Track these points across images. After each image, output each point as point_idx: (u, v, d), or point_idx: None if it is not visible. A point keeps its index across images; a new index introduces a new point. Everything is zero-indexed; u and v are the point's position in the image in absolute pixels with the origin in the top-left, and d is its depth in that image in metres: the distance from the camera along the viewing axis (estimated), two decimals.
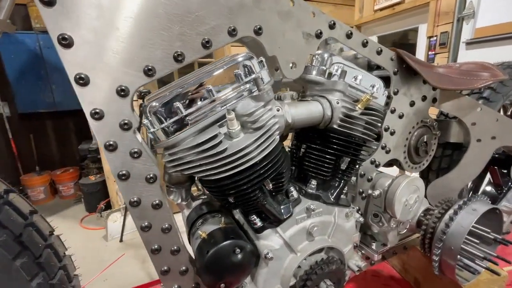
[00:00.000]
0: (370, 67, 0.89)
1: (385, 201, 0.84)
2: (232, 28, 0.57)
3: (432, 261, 0.80)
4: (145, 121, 0.54)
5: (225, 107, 0.55)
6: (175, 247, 0.63)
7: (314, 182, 0.72)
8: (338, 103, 0.66)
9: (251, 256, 0.63)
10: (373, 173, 0.88)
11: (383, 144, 0.87)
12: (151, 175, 0.56)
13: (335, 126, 0.67)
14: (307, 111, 0.64)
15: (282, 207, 0.68)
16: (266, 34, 0.61)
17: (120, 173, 0.53)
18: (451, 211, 0.80)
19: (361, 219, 0.81)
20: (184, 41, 0.53)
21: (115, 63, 0.49)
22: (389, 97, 0.84)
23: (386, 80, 0.82)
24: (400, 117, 0.88)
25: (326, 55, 0.69)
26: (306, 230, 0.69)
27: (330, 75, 0.68)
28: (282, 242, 0.67)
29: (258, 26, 0.59)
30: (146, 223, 0.58)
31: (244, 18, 0.58)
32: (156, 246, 0.60)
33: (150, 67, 0.51)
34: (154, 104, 0.53)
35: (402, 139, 0.91)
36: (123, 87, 0.50)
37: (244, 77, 0.57)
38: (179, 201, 0.71)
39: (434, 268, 0.80)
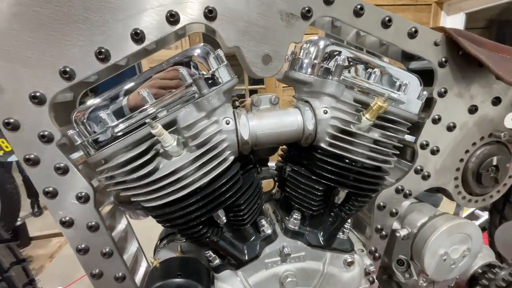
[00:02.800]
0: (409, 56, 0.63)
1: (412, 248, 0.60)
2: (172, 13, 0.43)
3: None
4: (70, 132, 0.46)
5: (164, 116, 0.42)
6: (120, 274, 0.55)
7: (297, 215, 0.54)
8: (326, 112, 0.46)
9: None
10: (399, 205, 0.63)
11: (418, 167, 0.61)
12: (82, 194, 0.49)
13: (323, 145, 0.47)
14: (278, 124, 0.46)
15: (246, 245, 0.53)
16: (222, 18, 0.45)
17: (46, 189, 0.47)
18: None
19: (372, 268, 0.59)
20: (107, 35, 0.42)
21: (28, 66, 0.42)
22: (430, 100, 0.58)
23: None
24: (450, 129, 0.60)
25: (319, 43, 0.49)
26: (279, 278, 0.52)
27: (323, 71, 0.48)
28: None
29: (209, 8, 0.44)
30: (83, 246, 0.51)
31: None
32: (96, 271, 0.53)
33: (67, 69, 0.42)
34: (81, 112, 0.45)
35: (453, 160, 0.63)
36: (37, 93, 0.43)
37: (188, 77, 0.43)
38: (140, 217, 0.63)
39: None
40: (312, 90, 0.48)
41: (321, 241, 0.54)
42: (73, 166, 0.47)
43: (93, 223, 0.50)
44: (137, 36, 0.43)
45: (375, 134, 0.50)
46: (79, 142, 0.45)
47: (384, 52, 0.62)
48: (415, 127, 0.61)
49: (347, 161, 0.49)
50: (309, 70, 0.48)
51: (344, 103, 0.47)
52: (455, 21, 3.28)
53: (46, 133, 0.44)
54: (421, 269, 0.60)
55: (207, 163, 0.43)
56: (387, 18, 0.50)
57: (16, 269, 0.55)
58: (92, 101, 0.45)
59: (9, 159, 2.07)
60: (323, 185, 0.50)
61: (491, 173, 0.65)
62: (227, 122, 0.43)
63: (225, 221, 0.48)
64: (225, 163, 0.44)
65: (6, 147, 1.94)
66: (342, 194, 0.53)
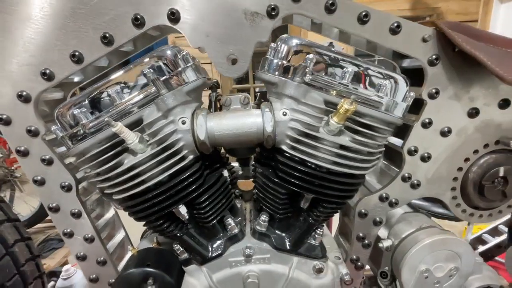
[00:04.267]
0: (401, 54, 0.58)
1: (392, 261, 0.56)
2: (137, 16, 0.45)
3: None
4: (53, 127, 0.50)
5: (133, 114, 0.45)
6: (102, 258, 0.60)
7: (265, 217, 0.53)
8: (285, 114, 0.44)
9: None
10: (384, 215, 0.59)
11: (406, 174, 0.57)
12: (66, 184, 0.54)
13: (285, 148, 0.46)
14: (237, 125, 0.46)
15: (211, 241, 0.54)
16: (185, 20, 0.46)
17: (35, 178, 0.53)
18: None
19: (348, 278, 0.56)
20: (79, 38, 0.46)
21: (15, 69, 0.47)
22: (420, 102, 0.53)
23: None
24: (444, 134, 0.54)
25: (287, 42, 0.47)
26: (242, 279, 0.53)
27: (287, 71, 0.46)
28: (207, 285, 0.54)
29: (172, 10, 0.45)
30: (68, 230, 0.57)
31: (151, 3, 0.45)
32: (81, 254, 0.59)
33: (46, 71, 0.47)
34: (61, 109, 0.49)
35: (449, 169, 0.57)
36: (23, 93, 0.48)
37: (150, 76, 0.45)
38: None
39: None
40: (277, 91, 0.47)
41: (288, 245, 0.53)
42: (57, 159, 0.52)
43: (76, 210, 0.55)
44: (106, 40, 0.46)
45: (346, 138, 0.47)
46: (60, 136, 0.50)
47: (373, 50, 0.57)
48: (404, 131, 0.56)
49: (311, 165, 0.47)
50: (275, 70, 0.47)
51: (308, 105, 0.45)
52: (510, 10, 2.90)
53: (32, 128, 0.50)
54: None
55: (165, 160, 0.45)
56: (363, 13, 0.47)
57: (20, 245, 0.63)
58: (71, 99, 0.49)
59: None
60: (286, 189, 0.48)
61: (497, 185, 0.58)
62: (183, 122, 0.44)
63: (187, 217, 0.49)
64: (183, 161, 0.45)
65: None
66: (304, 203, 0.51)
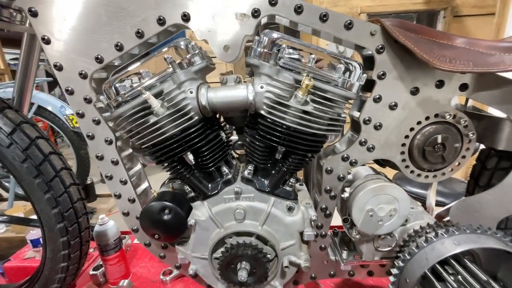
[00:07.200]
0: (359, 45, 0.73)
1: (348, 204, 0.72)
2: (160, 17, 0.64)
3: None
4: (102, 97, 0.71)
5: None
6: (131, 197, 0.81)
7: (250, 167, 0.72)
8: (262, 87, 0.62)
9: (177, 219, 0.73)
10: (345, 172, 0.75)
11: (363, 139, 0.73)
12: (108, 139, 0.75)
13: (263, 113, 0.64)
14: (228, 95, 0.64)
15: (211, 183, 0.73)
16: (194, 20, 0.64)
17: (87, 134, 0.74)
18: (425, 237, 0.60)
19: (314, 217, 0.74)
20: (121, 33, 0.66)
21: (77, 54, 0.68)
22: (372, 82, 0.69)
23: None
24: (392, 107, 0.70)
25: (267, 35, 0.64)
26: (233, 211, 0.72)
27: (265, 56, 0.64)
28: (208, 216, 0.73)
29: (184, 13, 0.63)
30: (109, 174, 0.78)
31: (169, 8, 0.63)
32: (117, 193, 0.80)
33: (99, 56, 0.67)
34: (107, 84, 0.70)
35: (398, 136, 0.72)
36: (83, 72, 0.69)
37: (168, 61, 0.64)
38: (150, 163, 0.88)
39: None
40: (258, 71, 0.65)
41: (267, 188, 0.71)
42: (103, 120, 0.73)
43: (115, 159, 0.77)
44: (139, 34, 0.65)
45: (309, 107, 0.64)
46: (105, 104, 0.71)
47: (339, 42, 0.73)
48: (361, 105, 0.72)
49: (283, 126, 0.64)
50: (257, 56, 0.65)
51: (279, 82, 0.62)
52: None
53: (87, 97, 0.71)
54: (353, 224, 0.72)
55: (177, 119, 0.64)
56: (323, 14, 0.63)
57: (73, 188, 0.85)
58: (114, 77, 0.69)
59: None
60: (265, 143, 0.66)
61: (438, 150, 0.72)
62: (191, 92, 0.63)
63: (193, 162, 0.69)
64: (191, 120, 0.64)
65: None
66: (277, 155, 0.68)
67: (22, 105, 0.92)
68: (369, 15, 3.21)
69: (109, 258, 1.11)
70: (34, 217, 0.93)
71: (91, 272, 1.15)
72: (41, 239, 1.26)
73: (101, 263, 1.17)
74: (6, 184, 2.61)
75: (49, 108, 2.38)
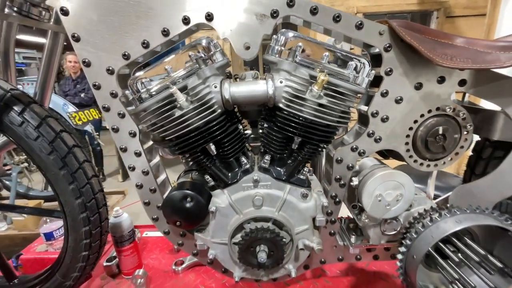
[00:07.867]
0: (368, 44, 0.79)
1: (357, 191, 0.78)
2: (185, 17, 0.69)
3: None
4: (127, 92, 0.75)
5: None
6: (153, 187, 0.85)
7: (267, 157, 0.77)
8: (281, 82, 0.67)
9: (198, 206, 0.78)
10: (354, 161, 0.81)
11: (370, 131, 0.79)
12: (132, 131, 0.79)
13: (281, 106, 0.69)
14: (249, 89, 0.69)
15: (231, 173, 0.78)
16: (217, 20, 0.69)
17: (113, 127, 0.78)
18: (430, 217, 0.66)
19: (326, 204, 0.79)
20: (148, 32, 0.70)
21: (105, 51, 0.72)
22: (379, 78, 0.74)
23: None
24: (397, 101, 0.76)
25: (284, 34, 0.70)
26: (251, 198, 0.77)
27: (283, 54, 0.69)
28: (228, 203, 0.78)
29: (208, 13, 0.68)
30: (132, 165, 0.83)
31: (195, 8, 0.68)
32: (139, 183, 0.84)
33: (126, 53, 0.72)
34: (132, 80, 0.74)
35: (402, 128, 0.78)
36: (110, 68, 0.73)
37: (193, 58, 0.69)
38: (168, 156, 0.92)
39: (400, 278, 0.70)
40: (276, 68, 0.70)
41: (283, 176, 0.77)
42: (127, 113, 0.77)
43: (138, 151, 0.81)
44: (165, 32, 0.70)
45: (324, 101, 0.70)
46: (130, 98, 0.75)
47: (348, 41, 0.79)
48: (370, 100, 0.78)
49: (300, 117, 0.69)
50: (275, 53, 0.70)
51: (297, 77, 0.68)
52: None
53: (114, 91, 0.75)
54: (362, 209, 0.78)
55: (202, 112, 0.69)
56: (336, 15, 0.68)
57: (87, 165, 0.88)
58: (138, 73, 0.74)
59: (85, 128, 2.66)
60: (282, 134, 0.72)
61: (439, 141, 0.79)
62: (215, 86, 0.68)
63: (215, 152, 0.74)
64: (214, 113, 0.69)
65: (85, 118, 2.50)
66: (294, 145, 0.74)
67: (44, 99, 0.95)
68: (364, 15, 3.29)
69: (123, 249, 1.15)
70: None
71: (105, 264, 1.19)
72: (54, 233, 1.29)
73: (114, 255, 1.21)
74: (7, 182, 2.60)
75: (52, 106, 2.39)
